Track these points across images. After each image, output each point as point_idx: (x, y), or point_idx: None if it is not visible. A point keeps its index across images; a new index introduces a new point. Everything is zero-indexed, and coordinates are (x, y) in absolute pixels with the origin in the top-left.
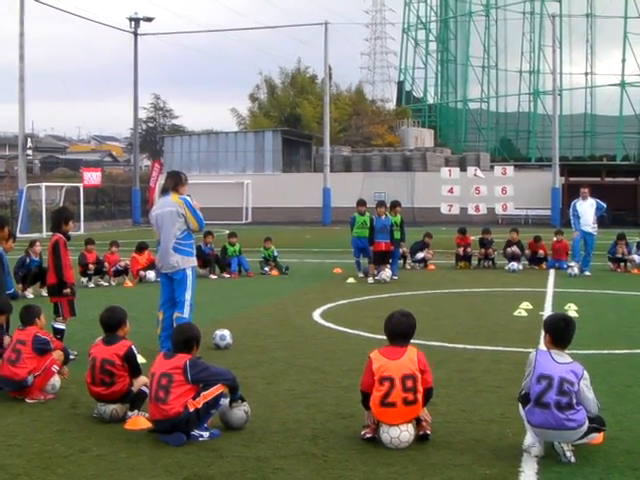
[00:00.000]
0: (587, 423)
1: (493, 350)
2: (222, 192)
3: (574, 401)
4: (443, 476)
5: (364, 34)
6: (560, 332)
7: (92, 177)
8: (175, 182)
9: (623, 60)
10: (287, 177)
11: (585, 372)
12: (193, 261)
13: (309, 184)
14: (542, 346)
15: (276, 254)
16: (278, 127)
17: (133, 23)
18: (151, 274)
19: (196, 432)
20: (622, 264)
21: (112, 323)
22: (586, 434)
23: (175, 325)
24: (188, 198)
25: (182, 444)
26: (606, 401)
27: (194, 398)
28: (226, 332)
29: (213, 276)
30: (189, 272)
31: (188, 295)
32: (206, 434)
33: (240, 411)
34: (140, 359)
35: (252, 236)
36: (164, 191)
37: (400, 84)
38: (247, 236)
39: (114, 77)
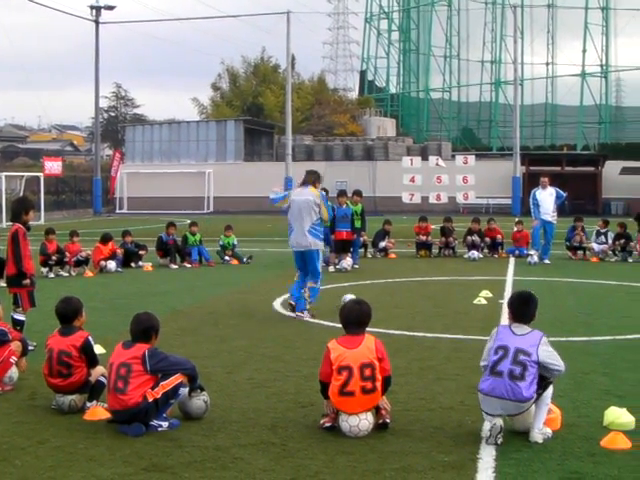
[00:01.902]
0: (534, 399)
1: (453, 338)
2: (184, 181)
3: (527, 373)
4: (402, 463)
5: (327, 23)
6: (519, 308)
7: (53, 166)
8: (314, 178)
9: (584, 50)
10: (249, 166)
11: (544, 338)
12: (321, 244)
13: (271, 173)
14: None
15: (235, 243)
16: (240, 116)
17: (94, 11)
18: (112, 264)
19: (155, 422)
20: (580, 252)
21: (68, 314)
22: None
23: (135, 315)
24: (324, 193)
25: (141, 434)
26: (564, 388)
27: (153, 388)
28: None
29: (174, 265)
30: (318, 251)
31: (319, 266)
32: (165, 424)
33: (199, 401)
34: (99, 349)
35: (214, 225)
36: (304, 183)
37: (362, 73)
38: (209, 225)
39: (75, 66)
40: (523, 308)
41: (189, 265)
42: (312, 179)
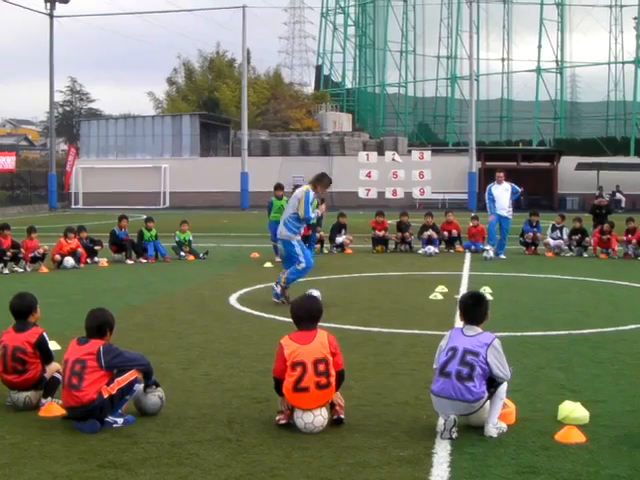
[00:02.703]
0: (485, 398)
1: (409, 333)
2: (139, 177)
3: (475, 373)
4: (357, 459)
5: (283, 18)
6: (468, 309)
7: (7, 161)
8: (315, 179)
9: (539, 46)
10: (205, 161)
11: (496, 340)
12: (293, 236)
13: (227, 168)
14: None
15: (191, 239)
16: (196, 111)
17: (49, 4)
18: (70, 261)
19: (110, 418)
20: (533, 247)
21: (22, 310)
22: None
23: (90, 311)
24: (311, 192)
25: (96, 431)
26: (519, 383)
27: (108, 384)
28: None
29: (130, 261)
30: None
31: (296, 252)
32: (120, 420)
33: (155, 397)
34: (54, 345)
35: (169, 221)
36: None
37: (318, 68)
38: (164, 221)
39: (30, 60)
40: (474, 309)
41: (145, 261)
42: (313, 179)
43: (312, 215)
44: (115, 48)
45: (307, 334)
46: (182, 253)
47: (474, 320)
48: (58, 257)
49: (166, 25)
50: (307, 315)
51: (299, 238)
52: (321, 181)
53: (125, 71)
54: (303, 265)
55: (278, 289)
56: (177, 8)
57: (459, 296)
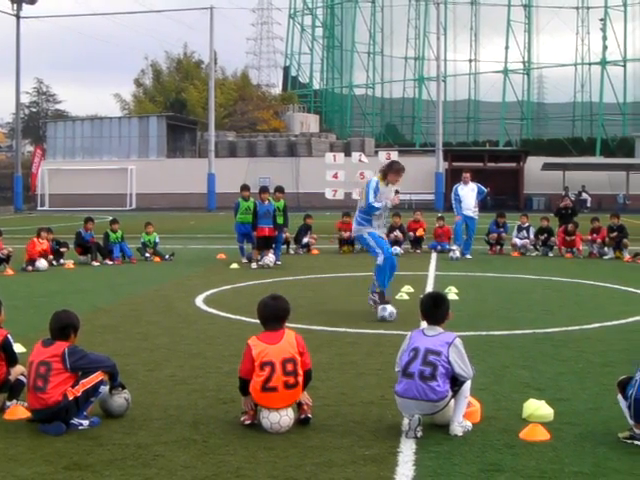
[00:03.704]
0: (449, 397)
1: (375, 333)
2: (106, 178)
3: (438, 373)
4: (323, 458)
5: (250, 19)
6: (429, 310)
7: None
8: (384, 168)
9: (506, 47)
10: (172, 163)
11: (457, 339)
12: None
13: (194, 170)
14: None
15: (157, 240)
16: (163, 112)
17: (15, 5)
18: (43, 263)
19: (76, 420)
20: (498, 247)
21: None
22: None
23: (54, 313)
24: (374, 180)
25: (62, 433)
26: (484, 381)
27: (73, 386)
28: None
29: (95, 263)
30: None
31: (373, 247)
32: (86, 422)
33: (120, 398)
34: (19, 348)
35: (136, 222)
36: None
37: (286, 69)
38: (131, 222)
39: None
40: (434, 310)
41: (111, 262)
42: (383, 167)
43: (376, 204)
44: (82, 49)
45: (275, 334)
46: (147, 254)
47: (435, 320)
48: (36, 263)
49: (133, 26)
50: (274, 315)
51: (371, 229)
52: (391, 168)
53: (92, 72)
54: (382, 257)
55: (375, 297)
56: (145, 9)
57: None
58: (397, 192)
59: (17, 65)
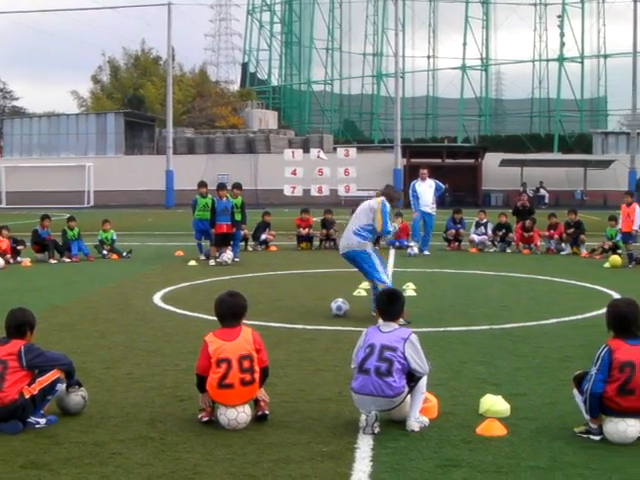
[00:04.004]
0: (405, 392)
1: (332, 330)
2: (63, 175)
3: (394, 369)
4: (281, 455)
5: (208, 15)
6: (384, 306)
7: None
8: (386, 191)
9: (464, 44)
10: (130, 160)
11: (413, 335)
12: (366, 244)
13: (152, 167)
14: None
15: (114, 238)
16: (121, 109)
17: None
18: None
19: (32, 419)
20: (456, 243)
21: None
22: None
23: (10, 311)
24: (387, 204)
25: (18, 432)
26: (442, 377)
27: (30, 384)
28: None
29: (53, 261)
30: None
31: (371, 269)
32: (43, 420)
33: (77, 396)
34: None
35: (93, 220)
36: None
37: (244, 66)
38: (88, 220)
39: None
40: (388, 306)
41: (68, 260)
42: (385, 191)
43: (390, 228)
44: (38, 46)
45: (231, 331)
46: (104, 252)
47: (390, 316)
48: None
49: (90, 22)
50: (231, 312)
51: (372, 245)
52: (393, 190)
53: (49, 69)
54: (386, 285)
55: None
56: (101, 5)
57: None
58: (400, 215)
59: None
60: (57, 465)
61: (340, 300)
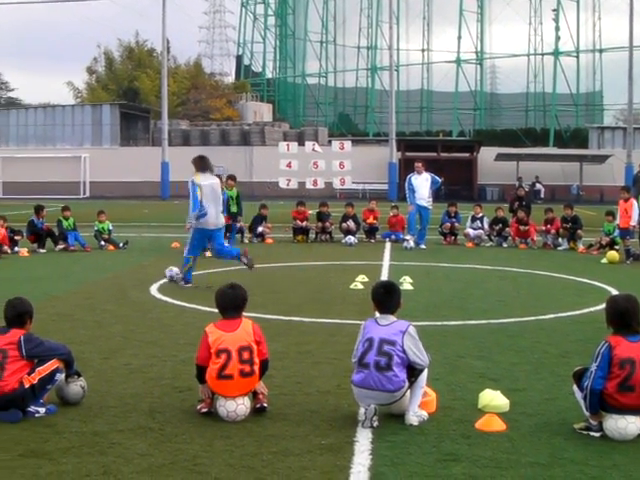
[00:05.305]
0: (406, 387)
1: (330, 323)
2: (59, 166)
3: (393, 362)
4: (279, 447)
5: (203, 7)
6: (381, 299)
7: None
8: (211, 165)
9: (459, 37)
10: (125, 151)
11: (411, 327)
12: None
13: (147, 158)
14: (377, 314)
15: (111, 228)
16: (116, 100)
17: None
18: None
19: (32, 408)
20: (452, 237)
21: None
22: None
23: (8, 301)
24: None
25: (18, 421)
26: (440, 372)
27: (29, 374)
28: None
29: (42, 250)
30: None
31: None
32: (42, 410)
33: (76, 386)
34: None
35: (90, 210)
36: (205, 169)
37: (239, 58)
38: (85, 210)
39: None
40: (386, 298)
41: (62, 246)
42: (211, 166)
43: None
44: (33, 37)
45: (232, 322)
46: (102, 242)
47: (388, 309)
48: None
49: (85, 14)
50: (232, 304)
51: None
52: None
53: (44, 60)
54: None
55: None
56: None
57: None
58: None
59: None
60: (57, 454)
61: (174, 269)
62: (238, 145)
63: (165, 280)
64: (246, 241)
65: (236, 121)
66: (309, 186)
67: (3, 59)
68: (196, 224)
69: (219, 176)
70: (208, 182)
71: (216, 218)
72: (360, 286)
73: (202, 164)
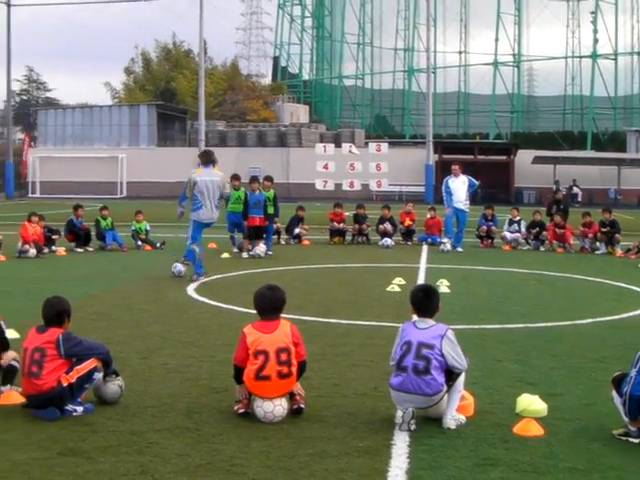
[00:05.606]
0: (444, 390)
1: (366, 325)
2: (96, 166)
3: (432, 366)
4: (316, 449)
5: (240, 9)
6: (420, 302)
7: None
8: (214, 159)
9: (496, 40)
10: (162, 151)
11: (449, 331)
12: None
13: (184, 159)
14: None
15: (148, 228)
16: (153, 101)
17: None
18: (32, 251)
19: (70, 407)
20: (489, 240)
21: None
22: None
23: (46, 299)
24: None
25: (56, 419)
26: (477, 375)
27: (67, 372)
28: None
29: (79, 249)
30: None
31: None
32: (80, 408)
33: (114, 385)
34: (13, 334)
35: (126, 210)
36: (208, 163)
37: (275, 60)
38: (121, 210)
39: None
40: (425, 301)
41: (101, 245)
42: (212, 159)
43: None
44: (73, 38)
45: (270, 324)
46: (139, 242)
47: (426, 312)
48: (27, 247)
49: (123, 14)
50: (270, 306)
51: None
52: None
53: (82, 61)
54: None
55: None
56: None
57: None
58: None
59: (8, 53)
60: (95, 453)
61: (179, 265)
62: (275, 146)
63: (204, 280)
64: (283, 242)
65: (273, 122)
66: (346, 188)
67: (42, 60)
68: (193, 215)
69: (255, 177)
70: (206, 178)
71: (211, 213)
72: (397, 289)
73: (205, 158)
